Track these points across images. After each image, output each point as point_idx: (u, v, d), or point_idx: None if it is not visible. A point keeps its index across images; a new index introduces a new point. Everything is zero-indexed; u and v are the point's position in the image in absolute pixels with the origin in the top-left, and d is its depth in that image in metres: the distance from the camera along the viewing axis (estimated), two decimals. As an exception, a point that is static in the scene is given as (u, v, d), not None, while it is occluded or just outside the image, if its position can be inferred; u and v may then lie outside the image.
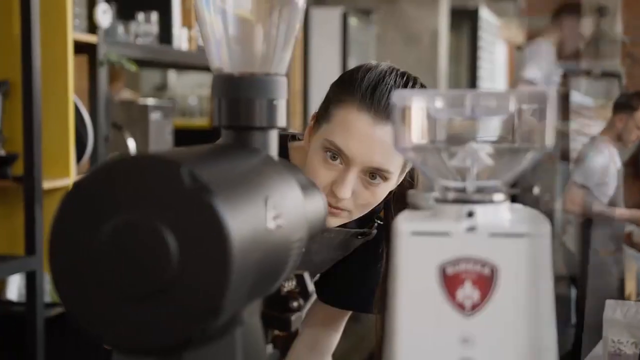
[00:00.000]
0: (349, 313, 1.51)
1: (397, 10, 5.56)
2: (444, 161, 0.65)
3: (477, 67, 6.95)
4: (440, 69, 5.81)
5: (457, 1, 6.45)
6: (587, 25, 4.66)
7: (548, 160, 4.35)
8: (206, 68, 1.03)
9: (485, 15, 7.06)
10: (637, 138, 3.66)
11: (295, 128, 4.34)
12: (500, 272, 0.62)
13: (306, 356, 1.45)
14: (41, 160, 2.37)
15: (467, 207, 0.63)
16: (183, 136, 3.30)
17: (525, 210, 0.67)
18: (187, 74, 5.64)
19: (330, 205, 1.20)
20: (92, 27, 2.73)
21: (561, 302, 4.44)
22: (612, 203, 3.70)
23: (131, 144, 2.97)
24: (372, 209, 1.36)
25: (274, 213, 0.63)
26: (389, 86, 1.19)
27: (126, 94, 4.55)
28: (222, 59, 0.71)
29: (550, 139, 0.64)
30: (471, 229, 0.62)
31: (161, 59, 3.30)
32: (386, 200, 1.30)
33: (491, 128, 0.70)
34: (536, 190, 3.30)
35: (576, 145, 4.07)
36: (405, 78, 1.22)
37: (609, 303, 1.69)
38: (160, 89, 5.90)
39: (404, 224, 0.63)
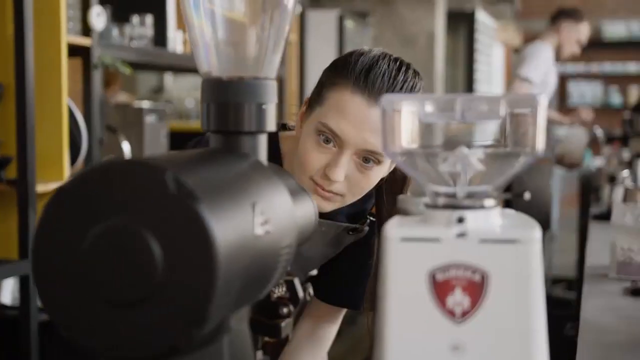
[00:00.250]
0: (343, 309, 1.51)
1: (394, 13, 5.56)
2: (434, 166, 0.65)
3: (474, 70, 6.95)
4: (437, 72, 5.81)
5: (453, 3, 6.46)
6: (584, 31, 4.67)
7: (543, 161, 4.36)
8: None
9: (482, 17, 7.06)
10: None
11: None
12: (490, 279, 0.61)
13: (306, 344, 1.45)
14: (35, 164, 2.36)
15: (457, 213, 0.62)
16: (179, 139, 3.28)
17: (516, 216, 0.67)
18: (184, 77, 5.64)
19: (323, 188, 1.21)
20: (87, 30, 2.72)
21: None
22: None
23: (126, 147, 2.96)
24: (363, 205, 1.36)
25: (262, 219, 0.63)
26: (383, 69, 1.19)
27: (122, 97, 4.55)
28: (210, 63, 0.71)
29: (541, 143, 0.63)
30: (461, 235, 0.61)
31: (156, 62, 3.28)
32: (378, 188, 1.29)
33: (488, 132, 0.70)
34: (527, 195, 3.29)
35: None
36: (398, 63, 1.22)
37: (618, 206, 1.58)
38: (157, 92, 5.89)
39: (394, 229, 0.62)
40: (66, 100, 2.53)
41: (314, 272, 1.50)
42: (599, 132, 5.19)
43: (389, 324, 0.62)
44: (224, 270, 0.55)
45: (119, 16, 3.03)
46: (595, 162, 5.03)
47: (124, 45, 2.99)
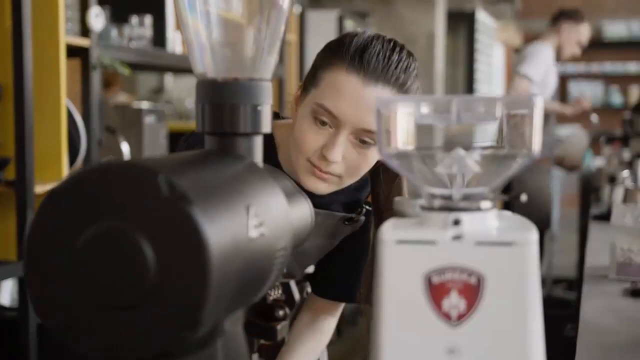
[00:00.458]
0: (342, 303, 1.51)
1: (393, 13, 5.55)
2: (430, 168, 0.64)
3: (474, 70, 6.94)
4: (437, 72, 5.80)
5: (453, 3, 6.45)
6: (584, 32, 4.67)
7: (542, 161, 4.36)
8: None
9: (482, 17, 7.06)
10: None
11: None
12: (486, 282, 0.60)
13: (306, 333, 1.45)
14: (33, 165, 2.36)
15: (453, 215, 0.61)
16: (179, 139, 3.28)
17: (513, 218, 0.66)
18: (184, 77, 5.63)
19: (320, 170, 1.21)
20: (85, 31, 2.71)
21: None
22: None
23: (125, 148, 2.96)
24: (359, 194, 1.36)
25: (257, 221, 0.62)
26: (377, 49, 1.20)
27: (122, 98, 4.54)
28: (205, 64, 0.70)
29: (537, 145, 0.62)
30: (457, 237, 0.61)
31: (155, 63, 3.28)
32: (374, 170, 1.29)
33: (488, 133, 0.69)
34: (524, 197, 3.29)
35: None
36: (392, 43, 1.23)
37: (617, 207, 1.58)
38: (157, 92, 5.89)
39: (389, 232, 0.62)
40: (65, 101, 2.53)
41: (311, 269, 1.50)
42: (595, 118, 5.20)
43: (384, 327, 0.62)
44: (217, 274, 0.55)
45: (118, 17, 3.02)
46: (595, 162, 5.03)
47: (122, 46, 2.99)
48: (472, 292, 0.60)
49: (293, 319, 1.42)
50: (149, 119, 3.08)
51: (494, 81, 7.79)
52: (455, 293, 0.60)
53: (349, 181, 1.25)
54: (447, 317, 0.61)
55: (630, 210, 1.59)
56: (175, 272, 0.54)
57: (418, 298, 0.61)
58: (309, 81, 1.25)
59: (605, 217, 2.56)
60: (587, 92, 8.81)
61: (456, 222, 0.61)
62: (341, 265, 1.44)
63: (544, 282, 4.89)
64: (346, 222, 1.37)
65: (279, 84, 4.31)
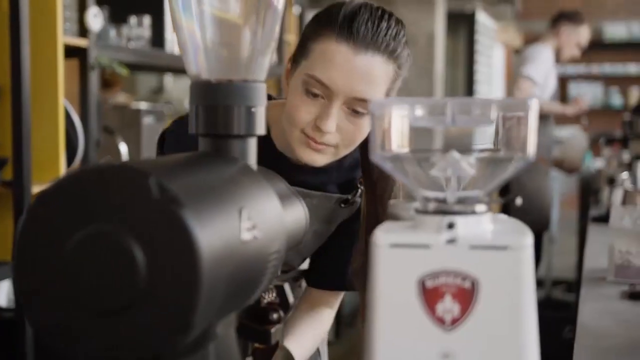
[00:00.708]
0: (339, 293, 1.49)
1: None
2: (425, 171, 0.64)
3: (474, 71, 6.93)
4: (437, 73, 5.80)
5: (453, 4, 6.44)
6: (584, 33, 4.67)
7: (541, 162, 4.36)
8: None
9: (482, 18, 7.05)
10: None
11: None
12: (481, 286, 0.60)
13: (306, 318, 1.43)
14: (31, 165, 2.35)
15: (447, 219, 0.61)
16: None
17: (508, 221, 0.65)
18: (184, 78, 5.62)
19: (315, 141, 1.20)
20: (83, 31, 2.71)
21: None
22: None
23: (123, 149, 2.95)
24: (353, 173, 1.35)
25: (249, 224, 0.61)
26: (366, 17, 1.20)
27: (121, 98, 4.53)
28: (199, 65, 0.70)
29: (533, 148, 0.62)
30: (451, 241, 0.60)
31: (153, 63, 3.27)
32: (363, 147, 1.29)
33: (488, 135, 0.69)
34: (519, 200, 3.29)
35: None
36: (380, 11, 1.23)
37: (616, 209, 1.57)
38: (157, 93, 5.88)
39: (383, 235, 0.61)
40: (62, 101, 2.52)
41: (306, 264, 1.48)
42: (585, 120, 5.20)
43: (377, 332, 0.61)
44: (209, 277, 0.54)
45: (117, 17, 3.02)
46: (595, 164, 5.02)
47: (121, 46, 2.98)
48: (467, 296, 0.60)
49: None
50: (147, 120, 3.07)
51: (494, 82, 7.78)
52: (449, 297, 0.60)
53: (344, 151, 1.25)
54: (441, 321, 0.60)
55: (629, 213, 1.58)
56: (166, 276, 0.53)
57: (412, 302, 0.60)
58: (299, 53, 1.25)
59: (605, 219, 2.56)
60: (587, 93, 8.80)
61: (450, 226, 0.61)
62: (336, 254, 1.43)
63: (543, 283, 4.89)
64: (342, 205, 1.36)
65: (279, 84, 4.30)
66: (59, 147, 2.50)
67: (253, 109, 0.69)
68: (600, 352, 1.32)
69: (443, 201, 0.62)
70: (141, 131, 3.03)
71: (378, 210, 1.30)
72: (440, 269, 0.60)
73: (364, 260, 1.32)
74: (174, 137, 1.34)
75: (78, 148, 2.61)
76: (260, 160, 0.72)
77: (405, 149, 0.64)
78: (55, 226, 0.55)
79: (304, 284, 1.52)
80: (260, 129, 0.70)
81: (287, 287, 0.78)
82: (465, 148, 0.64)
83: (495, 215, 0.65)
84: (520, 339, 0.60)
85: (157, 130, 3.11)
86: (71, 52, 2.67)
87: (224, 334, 0.64)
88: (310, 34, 1.24)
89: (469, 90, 6.87)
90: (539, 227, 4.36)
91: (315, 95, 1.20)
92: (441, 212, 0.62)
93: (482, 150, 0.66)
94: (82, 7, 2.68)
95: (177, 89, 5.86)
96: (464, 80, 6.98)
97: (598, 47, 8.36)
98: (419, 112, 0.63)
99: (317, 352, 1.55)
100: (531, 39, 5.97)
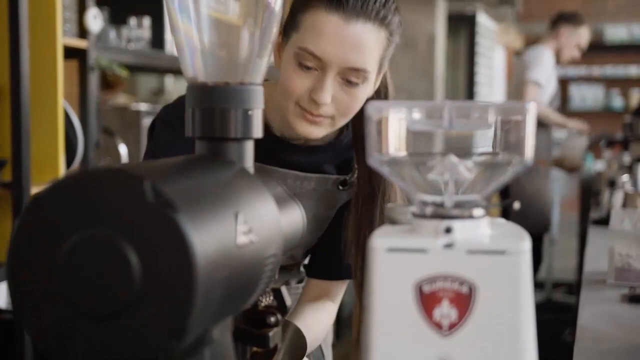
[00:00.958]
0: (342, 284, 1.46)
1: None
2: (422, 174, 0.63)
3: (475, 73, 6.93)
4: (437, 74, 5.79)
5: (454, 6, 6.44)
6: (584, 35, 4.66)
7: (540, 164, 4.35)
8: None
9: (483, 20, 7.04)
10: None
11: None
12: (478, 291, 0.59)
13: (310, 307, 1.38)
14: (30, 166, 2.35)
15: (445, 223, 0.60)
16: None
17: (506, 226, 0.65)
18: (184, 79, 5.62)
19: (311, 114, 1.20)
20: (83, 32, 2.70)
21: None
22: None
23: (123, 150, 2.95)
24: (349, 153, 1.34)
25: (245, 228, 0.61)
26: None
27: (121, 99, 4.53)
28: (196, 68, 0.70)
29: (531, 151, 0.61)
30: (449, 245, 0.60)
31: (153, 64, 3.27)
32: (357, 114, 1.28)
33: (488, 138, 0.68)
34: (517, 205, 3.27)
35: None
36: None
37: (616, 212, 1.57)
38: (157, 94, 5.87)
39: (379, 240, 0.61)
40: (62, 103, 2.52)
41: (306, 260, 1.46)
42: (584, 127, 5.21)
43: (374, 337, 0.61)
44: (204, 281, 0.54)
45: (116, 18, 3.02)
46: (595, 166, 5.01)
47: (121, 48, 2.98)
48: (464, 301, 0.59)
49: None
50: (147, 121, 3.07)
51: (495, 84, 7.78)
52: (447, 302, 0.59)
53: (341, 121, 1.24)
54: (438, 326, 0.60)
55: (629, 215, 1.58)
56: (161, 280, 0.53)
57: (409, 307, 0.60)
58: (289, 25, 1.24)
59: (605, 221, 2.55)
60: (588, 95, 8.80)
61: (448, 230, 0.60)
62: (337, 242, 1.38)
63: (543, 285, 4.88)
64: (340, 187, 1.35)
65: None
66: (58, 149, 2.50)
67: (250, 112, 0.69)
68: (600, 355, 1.32)
69: (440, 205, 0.62)
70: (141, 132, 3.03)
71: (374, 189, 1.30)
72: (437, 273, 0.60)
73: (357, 251, 1.31)
74: (164, 124, 1.33)
75: (77, 149, 2.61)
76: (255, 142, 0.71)
77: (403, 153, 0.64)
78: (49, 230, 0.55)
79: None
80: (257, 132, 0.70)
81: (284, 290, 0.78)
82: (463, 152, 0.63)
83: (493, 219, 0.64)
84: (519, 344, 0.60)
85: (157, 131, 3.11)
86: (71, 53, 2.67)
87: (220, 339, 0.63)
88: (299, 6, 1.22)
89: (470, 92, 6.87)
90: (540, 230, 4.35)
91: (308, 68, 1.19)
92: (439, 216, 0.61)
93: (480, 154, 0.66)
94: (81, 8, 2.68)
95: (178, 90, 5.86)
96: (465, 82, 6.98)
97: (599, 49, 8.36)
98: (417, 115, 0.62)
99: (322, 354, 1.54)
100: (532, 41, 5.96)
